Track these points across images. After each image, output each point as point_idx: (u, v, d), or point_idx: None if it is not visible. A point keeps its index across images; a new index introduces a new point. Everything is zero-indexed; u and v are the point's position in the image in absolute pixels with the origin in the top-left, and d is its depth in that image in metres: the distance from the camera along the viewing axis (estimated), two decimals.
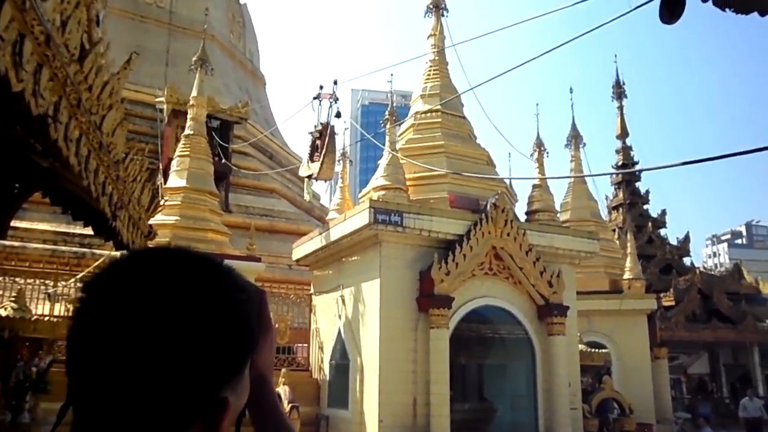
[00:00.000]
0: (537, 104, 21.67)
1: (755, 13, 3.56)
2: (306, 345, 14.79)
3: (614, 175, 35.70)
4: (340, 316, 13.03)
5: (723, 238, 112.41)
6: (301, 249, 14.95)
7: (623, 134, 35.66)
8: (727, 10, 3.39)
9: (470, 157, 14.39)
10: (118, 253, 11.96)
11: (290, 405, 10.61)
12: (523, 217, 14.82)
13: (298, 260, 15.49)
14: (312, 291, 15.22)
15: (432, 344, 11.20)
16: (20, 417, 8.99)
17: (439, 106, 14.80)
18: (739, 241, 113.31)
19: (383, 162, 13.38)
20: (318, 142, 13.96)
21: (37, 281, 13.37)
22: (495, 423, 13.01)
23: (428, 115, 14.93)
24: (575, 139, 22.47)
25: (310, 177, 14.55)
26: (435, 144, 14.16)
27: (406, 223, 11.61)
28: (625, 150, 35.69)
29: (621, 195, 34.75)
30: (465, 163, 14.08)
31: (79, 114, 4.50)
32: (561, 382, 12.07)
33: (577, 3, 7.35)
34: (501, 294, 12.41)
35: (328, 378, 13.41)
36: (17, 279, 12.79)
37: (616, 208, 34.85)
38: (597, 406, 13.08)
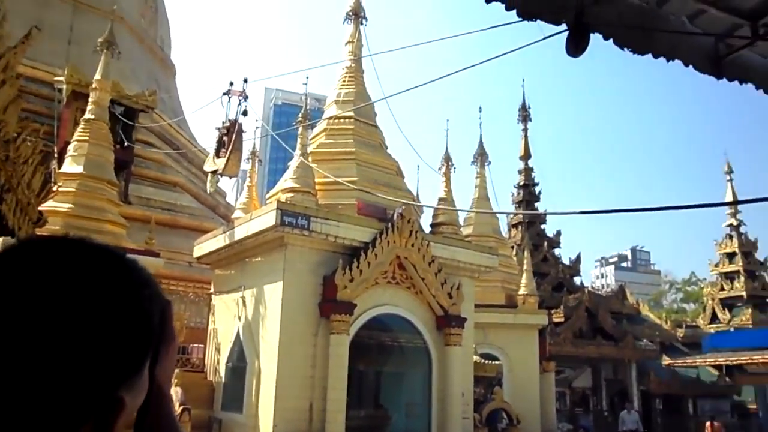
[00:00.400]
0: (447, 120, 22.29)
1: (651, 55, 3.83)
2: (202, 345, 14.36)
3: (515, 195, 37.20)
4: (239, 318, 12.75)
5: (610, 260, 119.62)
6: (204, 246, 14.53)
7: (526, 155, 37.24)
8: (626, 49, 3.63)
9: (380, 166, 14.55)
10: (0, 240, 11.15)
11: (182, 407, 10.24)
12: (428, 229, 15.14)
13: (199, 258, 15.03)
14: (212, 290, 14.81)
15: (332, 350, 11.19)
16: None
17: (352, 113, 14.89)
18: (624, 264, 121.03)
19: (293, 165, 13.26)
20: (225, 138, 13.70)
21: None
22: (389, 430, 13.16)
23: (341, 121, 14.98)
24: (481, 156, 23.20)
25: (214, 173, 14.23)
26: (346, 150, 14.22)
27: (312, 227, 11.56)
28: (527, 171, 37.30)
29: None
30: (375, 171, 14.23)
31: None
32: (455, 392, 12.38)
33: (491, 28, 7.62)
34: (402, 303, 12.59)
35: (223, 380, 13.07)
36: None
37: (515, 225, 36.29)
38: (487, 416, 13.51)
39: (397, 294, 12.58)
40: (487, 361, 16.05)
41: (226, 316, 13.53)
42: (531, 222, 36.12)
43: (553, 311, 29.44)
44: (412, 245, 12.58)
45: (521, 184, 36.98)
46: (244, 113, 13.76)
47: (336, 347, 11.14)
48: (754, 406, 31.18)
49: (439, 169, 16.23)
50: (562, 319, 29.94)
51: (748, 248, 38.74)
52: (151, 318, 0.74)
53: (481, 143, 23.48)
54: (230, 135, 13.53)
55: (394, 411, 13.36)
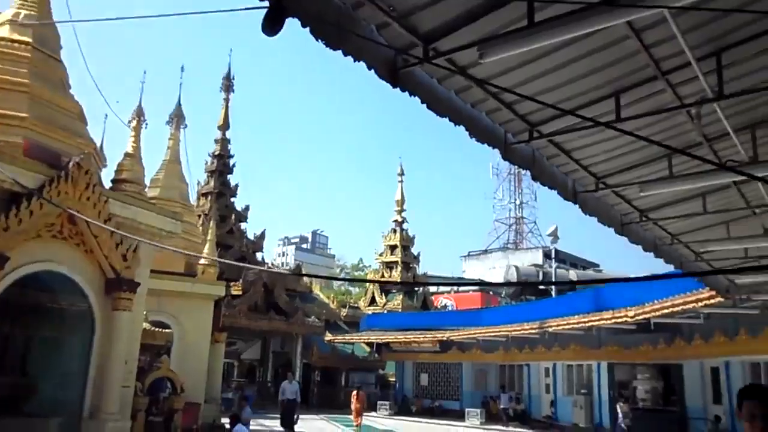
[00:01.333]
0: (145, 72, 20.89)
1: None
2: None
3: (209, 163, 36.55)
4: None
5: (293, 240, 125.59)
6: None
7: (225, 125, 36.92)
8: (320, 41, 3.76)
9: (59, 107, 12.86)
10: None
11: None
12: (108, 185, 13.92)
13: None
14: None
15: None
16: None
17: (30, 39, 12.90)
18: (304, 246, 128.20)
19: None
20: None
21: None
22: (36, 400, 11.76)
23: (17, 45, 12.84)
24: (178, 118, 22.28)
25: None
26: (18, 81, 12.23)
27: None
28: (224, 141, 36.98)
29: (212, 183, 35.76)
30: (52, 111, 12.54)
31: None
32: (119, 359, 11.62)
33: None
34: (68, 261, 11.35)
35: None
36: None
37: (206, 195, 35.71)
38: (150, 385, 12.99)
39: (64, 250, 11.28)
40: (157, 329, 15.42)
41: None
42: (221, 193, 35.96)
43: (232, 284, 29.74)
44: (88, 199, 11.41)
45: (217, 153, 36.54)
46: None
47: None
48: (393, 379, 35.89)
49: (129, 122, 15.06)
50: (240, 293, 30.49)
51: (407, 243, 44.33)
52: None
53: (179, 104, 22.53)
54: None
55: (45, 379, 12.00)
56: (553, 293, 42.44)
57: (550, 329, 23.13)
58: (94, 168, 12.18)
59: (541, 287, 47.11)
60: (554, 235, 50.32)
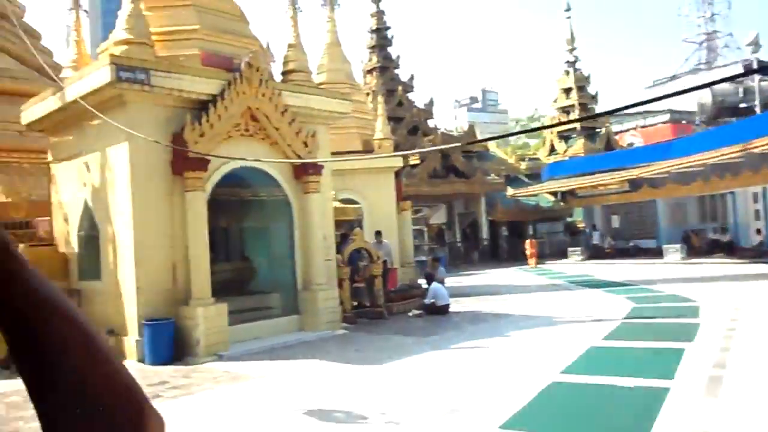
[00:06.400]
0: None
1: None
2: (48, 218, 13.55)
3: (369, 40, 36.66)
4: (85, 185, 12.06)
5: (463, 102, 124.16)
6: (33, 112, 13.20)
7: None
8: None
9: (223, 12, 13.59)
10: None
11: None
12: (279, 78, 14.74)
13: (29, 124, 13.71)
14: (50, 159, 13.73)
15: (189, 208, 11.03)
16: None
17: None
18: (475, 106, 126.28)
19: (123, 12, 12.03)
20: None
21: None
22: (257, 280, 13.60)
23: None
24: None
25: None
26: None
27: (153, 81, 10.83)
28: (379, 14, 36.58)
29: (374, 59, 36.02)
30: (217, 18, 13.31)
31: None
32: (316, 236, 12.86)
33: None
34: (258, 155, 12.47)
35: (76, 251, 12.59)
36: None
37: (370, 71, 36.16)
38: (348, 256, 14.27)
39: (252, 146, 12.39)
40: (347, 206, 16.65)
41: (69, 185, 12.74)
42: (384, 67, 36.13)
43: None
44: (263, 95, 12.25)
45: (374, 28, 36.40)
46: None
47: (193, 204, 10.98)
48: (582, 225, 35.40)
49: (285, 12, 15.48)
50: (418, 161, 31.33)
51: (581, 83, 41.72)
52: None
53: None
54: None
55: (260, 262, 13.74)
56: (757, 109, 37.87)
57: (756, 150, 20.97)
58: (263, 64, 12.90)
59: (743, 105, 42.11)
60: (755, 44, 43.58)
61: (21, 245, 10.98)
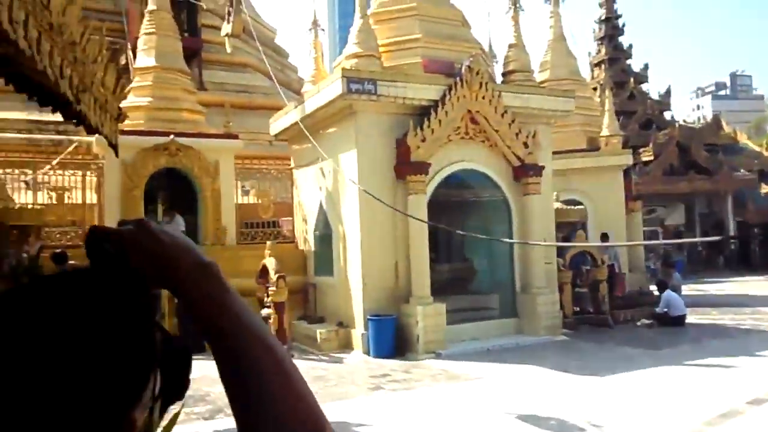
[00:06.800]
0: None
1: None
2: (290, 218, 15.17)
3: (597, 30, 34.87)
4: (321, 188, 13.27)
5: (707, 90, 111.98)
6: (278, 124, 14.89)
7: None
8: None
9: (444, 19, 13.98)
10: (92, 138, 11.89)
11: (277, 275, 11.08)
12: (500, 79, 14.73)
13: (276, 135, 15.47)
14: (292, 165, 15.36)
15: (410, 210, 11.53)
16: None
17: None
18: (722, 92, 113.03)
19: (354, 28, 13.00)
20: (230, 8, 14.77)
21: (16, 171, 13.39)
22: (476, 280, 13.75)
23: None
24: None
25: (228, 35, 14.93)
26: (407, 6, 13.69)
27: (380, 91, 11.53)
28: (609, 2, 34.56)
29: (603, 50, 34.16)
30: (439, 25, 13.72)
31: None
32: (536, 239, 12.59)
33: None
34: (478, 157, 12.59)
35: (313, 248, 13.91)
36: None
37: (598, 64, 34.40)
38: (571, 260, 13.73)
39: (472, 149, 12.56)
40: (570, 207, 16.03)
41: (308, 189, 14.11)
42: (614, 58, 34.08)
43: (641, 150, 28.52)
44: (483, 97, 12.34)
45: (603, 18, 34.52)
46: None
47: (414, 207, 11.46)
48: None
49: (506, 12, 15.40)
50: (652, 157, 29.00)
51: None
52: (153, 338, 0.72)
53: None
54: (233, 3, 14.65)
55: (479, 263, 13.86)
56: None
57: None
58: (483, 67, 12.99)
59: None
60: None
61: (269, 242, 12.43)
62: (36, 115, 16.11)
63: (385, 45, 13.19)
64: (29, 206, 11.15)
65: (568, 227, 15.16)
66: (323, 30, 18.76)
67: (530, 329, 12.31)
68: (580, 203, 17.29)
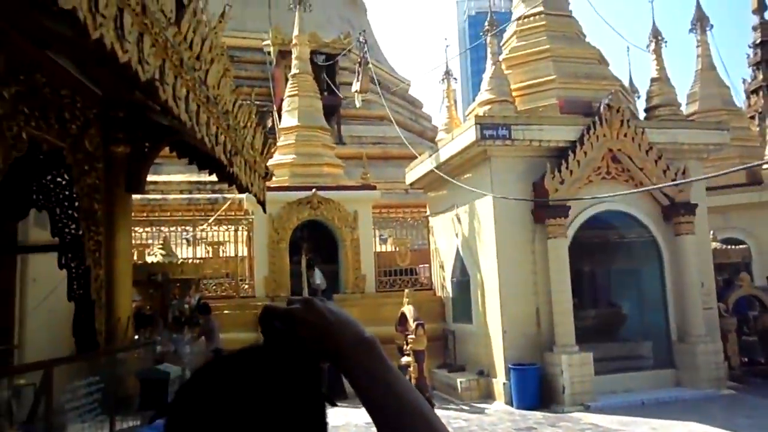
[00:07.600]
0: None
1: None
2: (427, 265, 15.24)
3: (752, 56, 32.37)
4: (457, 235, 13.26)
5: None
6: (414, 172, 15.19)
7: (761, 7, 31.93)
8: None
9: (579, 58, 13.68)
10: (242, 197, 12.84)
11: (416, 323, 11.11)
12: (643, 115, 14.07)
13: (412, 184, 15.77)
14: (428, 213, 15.52)
15: (551, 254, 11.18)
16: (181, 349, 10.18)
17: (541, 8, 14.07)
18: None
19: (486, 75, 13.09)
20: (359, 68, 17.00)
21: (178, 228, 14.70)
22: (626, 327, 12.92)
23: (531, 18, 14.23)
24: (701, 21, 20.66)
25: (357, 92, 16.85)
26: (540, 49, 13.57)
27: (514, 135, 11.44)
28: (764, 26, 32.01)
29: (760, 77, 31.54)
30: (574, 65, 13.44)
31: (183, 73, 4.81)
32: (692, 282, 11.65)
33: None
34: (621, 197, 12.01)
35: (451, 295, 13.84)
36: (162, 228, 14.10)
37: (755, 91, 31.70)
38: (734, 304, 12.52)
39: (614, 189, 11.95)
40: (729, 246, 14.70)
41: (444, 235, 14.16)
42: None
43: None
44: (625, 135, 11.82)
45: (757, 42, 31.96)
46: (365, 54, 17.25)
47: (554, 251, 11.09)
48: None
49: (647, 46, 14.77)
50: None
51: None
52: (323, 406, 0.80)
53: (698, 6, 20.84)
54: (360, 64, 16.95)
55: (629, 307, 13.04)
56: None
57: None
58: (624, 104, 12.50)
59: None
60: None
61: (407, 289, 12.55)
62: (195, 177, 17.67)
63: (518, 89, 13.13)
64: (190, 261, 12.14)
65: (730, 268, 13.88)
66: (455, 79, 19.07)
67: (690, 381, 11.29)
68: (742, 242, 15.82)
